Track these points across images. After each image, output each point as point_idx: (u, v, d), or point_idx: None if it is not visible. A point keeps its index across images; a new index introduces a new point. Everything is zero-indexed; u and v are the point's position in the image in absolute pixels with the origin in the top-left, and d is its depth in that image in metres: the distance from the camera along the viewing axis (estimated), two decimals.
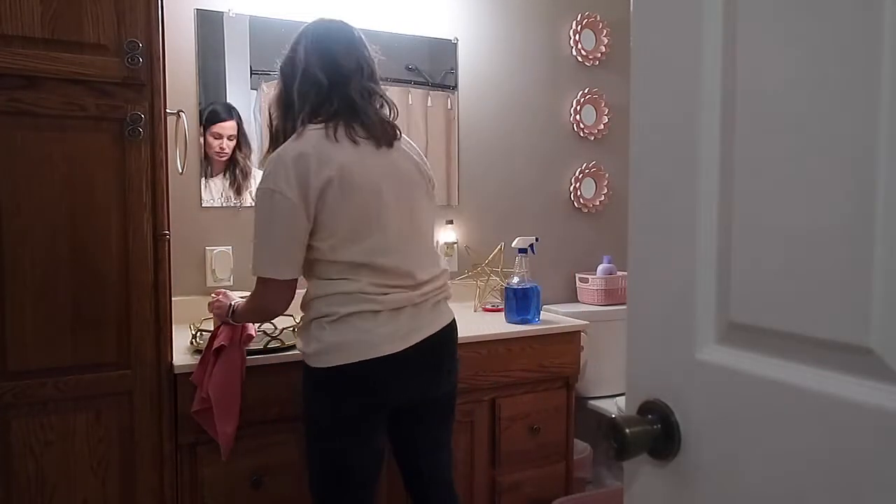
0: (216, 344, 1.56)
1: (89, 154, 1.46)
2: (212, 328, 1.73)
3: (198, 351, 1.67)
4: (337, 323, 1.39)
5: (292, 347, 1.71)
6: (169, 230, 1.56)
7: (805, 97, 0.55)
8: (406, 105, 2.35)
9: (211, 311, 1.65)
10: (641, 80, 0.72)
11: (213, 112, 2.10)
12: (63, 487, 1.48)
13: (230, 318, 1.57)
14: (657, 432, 0.69)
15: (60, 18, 1.41)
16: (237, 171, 2.15)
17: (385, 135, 1.46)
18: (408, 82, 2.35)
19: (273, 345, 1.70)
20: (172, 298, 1.59)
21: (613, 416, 0.69)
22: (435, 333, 1.48)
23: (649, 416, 0.70)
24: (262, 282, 1.44)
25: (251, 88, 2.13)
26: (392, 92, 2.30)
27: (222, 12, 2.08)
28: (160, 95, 1.51)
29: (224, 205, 2.14)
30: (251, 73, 2.13)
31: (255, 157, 2.16)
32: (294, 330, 1.68)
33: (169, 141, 1.63)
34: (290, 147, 1.39)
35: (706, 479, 0.66)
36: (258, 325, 1.67)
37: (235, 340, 1.58)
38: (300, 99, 1.43)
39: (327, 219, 1.38)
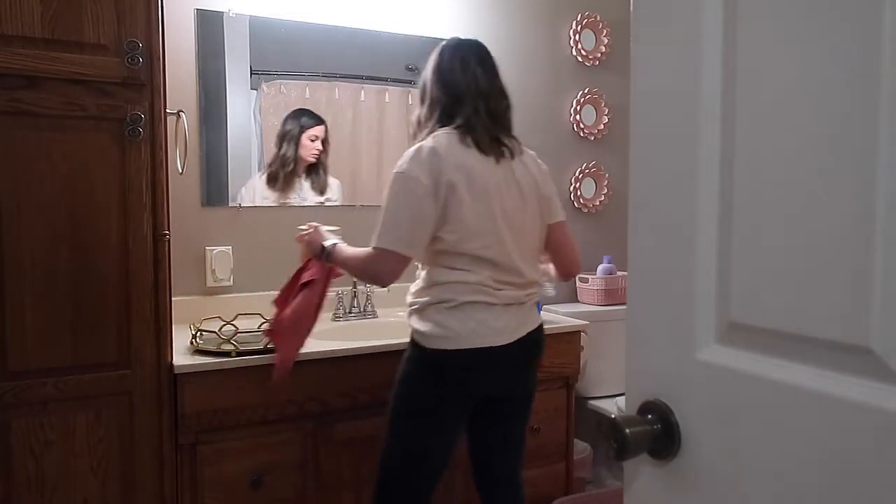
0: (305, 277, 1.65)
1: (89, 154, 1.46)
2: (213, 328, 1.73)
3: (198, 351, 1.67)
4: (454, 310, 1.49)
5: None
6: (169, 230, 1.56)
7: (805, 97, 0.55)
8: (406, 105, 2.35)
9: (299, 240, 1.71)
10: (641, 80, 0.72)
11: (307, 117, 2.19)
12: (63, 487, 1.48)
13: (324, 258, 1.63)
14: (657, 432, 0.69)
15: (60, 18, 1.41)
16: (320, 172, 2.24)
17: (510, 148, 1.59)
18: (408, 82, 2.35)
19: (273, 345, 1.70)
20: (172, 298, 1.59)
21: (613, 416, 0.69)
22: (532, 331, 1.59)
23: (649, 416, 0.70)
24: (380, 251, 1.48)
25: (251, 88, 2.13)
26: (392, 92, 2.32)
27: (222, 12, 2.08)
28: (160, 95, 1.51)
29: (302, 204, 2.23)
30: (251, 73, 2.13)
31: (254, 156, 2.16)
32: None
33: (169, 141, 1.63)
34: (427, 143, 1.50)
35: (706, 479, 0.66)
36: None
37: (323, 276, 1.66)
38: (451, 108, 1.56)
39: (454, 214, 1.47)
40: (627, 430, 0.67)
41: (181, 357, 1.63)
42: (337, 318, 2.15)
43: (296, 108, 2.19)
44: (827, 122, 0.54)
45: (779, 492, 0.59)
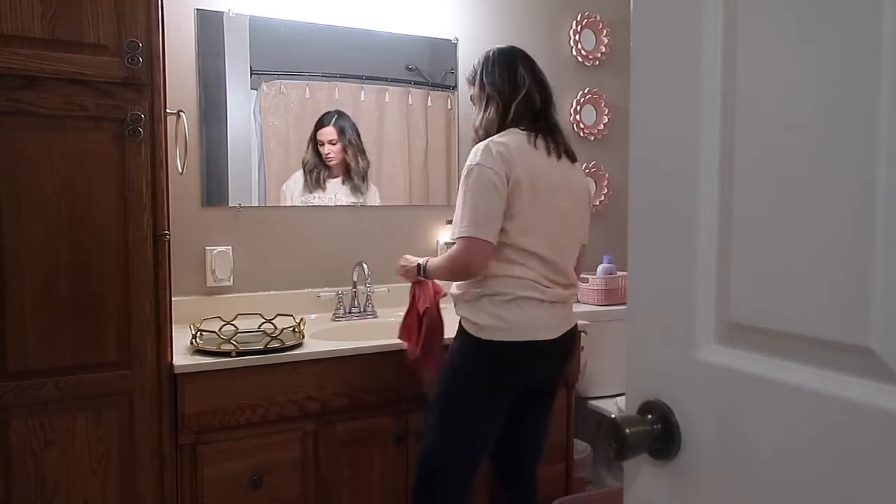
0: (421, 307, 1.76)
1: (89, 154, 1.46)
2: (213, 329, 1.74)
3: (198, 351, 1.67)
4: (510, 303, 1.56)
5: (292, 347, 1.72)
6: (169, 230, 1.56)
7: (805, 97, 0.55)
8: (406, 105, 2.35)
9: (400, 275, 1.81)
10: (641, 80, 0.72)
11: (324, 119, 2.23)
12: (63, 487, 1.48)
13: (422, 275, 1.72)
14: (657, 432, 0.69)
15: (60, 18, 1.41)
16: (352, 175, 2.27)
17: (568, 153, 1.69)
18: (408, 82, 2.35)
19: (273, 345, 1.70)
20: (172, 298, 1.59)
21: (613, 416, 0.69)
22: (570, 329, 1.68)
23: (649, 416, 0.70)
24: (466, 241, 1.54)
25: (251, 88, 2.13)
26: (392, 92, 2.32)
27: (222, 12, 2.08)
28: (160, 95, 1.51)
29: (336, 204, 2.27)
30: (251, 73, 2.13)
31: (254, 156, 2.16)
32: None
33: (169, 141, 1.63)
34: (498, 141, 1.59)
35: (706, 479, 0.66)
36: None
37: (435, 302, 1.77)
38: (516, 112, 1.65)
39: (516, 208, 1.55)
40: (627, 430, 0.67)
41: (181, 357, 1.63)
42: (337, 318, 2.15)
43: (327, 110, 2.24)
44: (827, 122, 0.54)
45: (779, 492, 0.59)
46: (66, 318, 1.46)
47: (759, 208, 0.60)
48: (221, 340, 1.69)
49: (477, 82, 1.74)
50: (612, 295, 2.53)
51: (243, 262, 2.14)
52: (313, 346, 1.76)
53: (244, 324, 1.83)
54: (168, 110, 1.58)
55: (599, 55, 2.66)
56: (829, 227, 0.54)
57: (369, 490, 1.84)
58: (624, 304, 0.76)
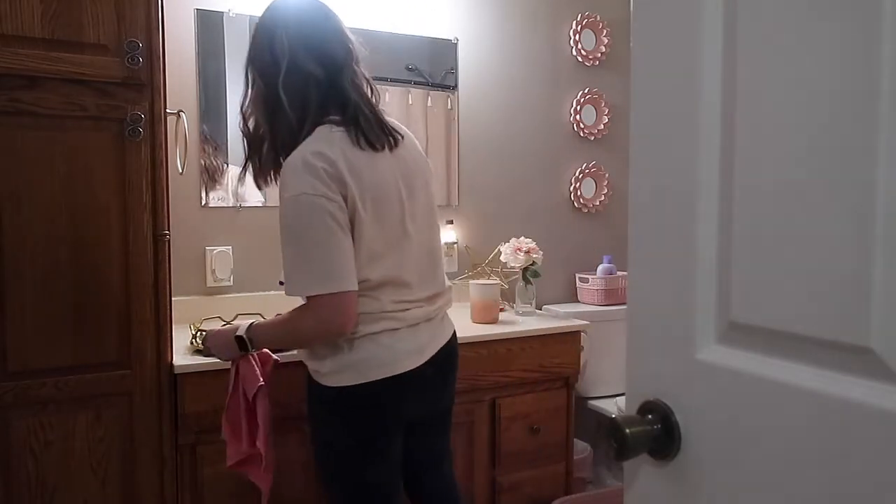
0: (249, 391, 1.42)
1: (89, 154, 1.46)
2: (213, 328, 1.72)
3: (198, 351, 1.67)
4: (357, 341, 1.32)
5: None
6: (169, 230, 1.56)
7: (805, 97, 0.55)
8: (406, 105, 2.35)
9: (210, 351, 1.53)
10: (641, 80, 0.72)
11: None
12: (63, 487, 1.48)
13: (251, 349, 1.42)
14: (657, 432, 0.69)
15: (60, 18, 1.41)
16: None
17: (393, 132, 1.38)
18: (408, 82, 2.35)
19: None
20: (172, 298, 1.59)
21: (613, 416, 0.69)
22: (445, 345, 1.45)
23: (649, 416, 0.70)
24: (313, 300, 1.27)
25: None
26: (392, 92, 2.32)
27: (222, 12, 2.08)
28: (160, 95, 1.51)
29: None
30: None
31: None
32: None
33: (169, 141, 1.63)
34: (311, 148, 1.26)
35: (706, 479, 0.66)
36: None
37: (268, 377, 1.46)
38: (290, 95, 1.29)
39: (357, 236, 1.27)
40: (627, 430, 0.67)
41: (181, 357, 1.62)
42: None
43: None
44: (827, 122, 0.54)
45: (779, 491, 0.59)
46: (66, 318, 1.46)
47: (759, 208, 0.60)
48: None
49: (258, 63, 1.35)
50: (612, 295, 2.53)
51: (243, 262, 2.14)
52: None
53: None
54: (168, 110, 1.58)
55: (599, 55, 2.66)
56: (830, 227, 0.54)
57: None
58: (624, 304, 0.76)
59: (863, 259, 0.51)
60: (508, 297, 2.32)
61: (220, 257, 2.10)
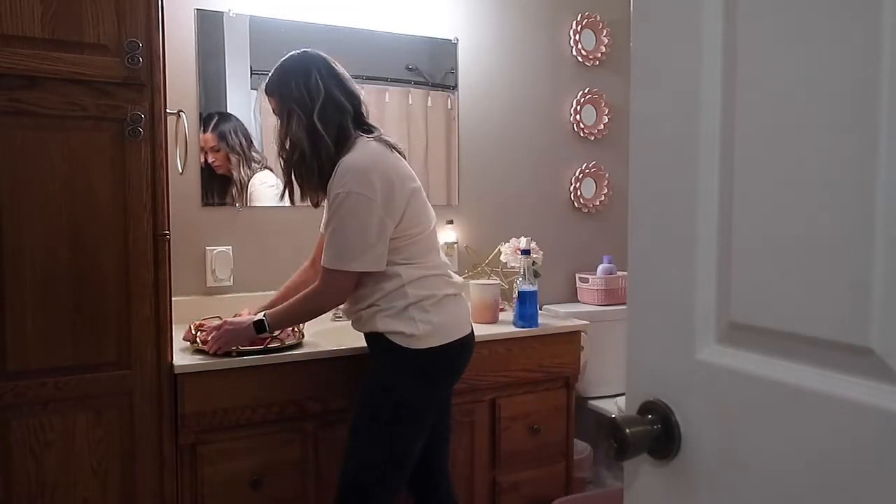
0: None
1: (89, 154, 1.46)
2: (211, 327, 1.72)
3: (198, 351, 1.67)
4: (437, 304, 1.55)
5: (292, 347, 1.72)
6: (169, 230, 1.56)
7: (805, 97, 0.55)
8: (406, 105, 2.35)
9: (219, 347, 1.62)
10: (641, 81, 0.72)
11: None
12: (63, 487, 1.48)
13: (269, 332, 1.63)
14: (657, 432, 0.69)
15: (60, 18, 1.41)
16: (231, 185, 2.13)
17: (398, 148, 1.63)
18: (408, 82, 2.35)
19: (273, 344, 1.70)
20: (172, 298, 1.59)
21: (613, 416, 0.69)
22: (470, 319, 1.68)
23: (649, 416, 0.70)
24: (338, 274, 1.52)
25: (251, 88, 2.13)
26: (392, 92, 2.32)
27: (222, 12, 2.08)
28: (160, 95, 1.51)
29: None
30: (251, 73, 2.12)
31: (266, 158, 2.16)
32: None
33: (169, 141, 1.63)
34: (357, 155, 1.52)
35: (706, 479, 0.66)
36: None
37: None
38: (325, 123, 1.53)
39: (409, 214, 1.54)
40: (627, 430, 0.67)
41: (181, 357, 1.63)
42: (337, 317, 2.15)
43: None
44: (827, 122, 0.54)
45: (779, 492, 0.59)
46: (67, 318, 1.46)
47: (759, 208, 0.60)
48: None
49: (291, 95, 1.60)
50: (612, 295, 2.53)
51: (243, 262, 2.14)
52: (314, 346, 1.76)
53: None
54: (168, 110, 1.58)
55: (599, 55, 2.66)
56: (830, 227, 0.54)
57: None
58: (624, 304, 0.77)
59: (863, 259, 0.51)
60: (508, 297, 2.32)
61: (220, 257, 2.10)
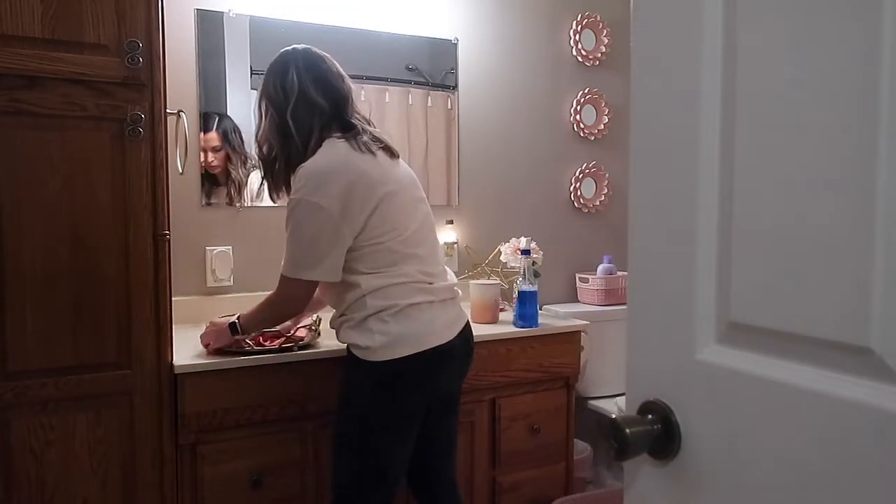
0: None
1: (89, 154, 1.46)
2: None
3: (219, 351, 1.66)
4: (399, 314, 1.45)
5: (292, 348, 1.71)
6: (169, 230, 1.56)
7: (805, 97, 0.55)
8: (406, 105, 2.35)
9: (212, 349, 1.65)
10: (641, 81, 0.72)
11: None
12: (63, 487, 1.48)
13: (242, 334, 1.60)
14: (657, 432, 0.69)
15: (60, 18, 1.41)
16: (230, 185, 2.14)
17: (389, 147, 1.57)
18: (408, 82, 2.35)
19: (287, 344, 1.70)
20: (172, 298, 1.59)
21: (613, 416, 0.69)
22: (466, 323, 1.59)
23: (649, 416, 0.70)
24: (289, 282, 1.50)
25: (251, 88, 2.13)
26: (392, 92, 2.32)
27: (222, 12, 2.08)
28: (160, 95, 1.51)
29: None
30: (251, 73, 2.12)
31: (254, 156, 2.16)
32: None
33: (169, 141, 1.63)
34: (318, 160, 1.46)
35: (706, 479, 0.66)
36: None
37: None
38: (297, 123, 1.49)
39: (374, 222, 1.46)
40: (627, 430, 0.67)
41: (181, 357, 1.62)
42: None
43: None
44: (827, 123, 0.54)
45: (779, 491, 0.59)
46: (67, 318, 1.46)
47: (759, 208, 0.60)
48: None
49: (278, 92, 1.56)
50: (612, 295, 2.53)
51: (243, 262, 2.14)
52: (314, 346, 1.76)
53: None
54: (168, 110, 1.58)
55: (599, 55, 2.66)
56: (830, 227, 0.54)
57: None
58: (624, 304, 0.77)
59: (863, 259, 0.51)
60: (508, 297, 2.31)
61: (220, 257, 2.10)
